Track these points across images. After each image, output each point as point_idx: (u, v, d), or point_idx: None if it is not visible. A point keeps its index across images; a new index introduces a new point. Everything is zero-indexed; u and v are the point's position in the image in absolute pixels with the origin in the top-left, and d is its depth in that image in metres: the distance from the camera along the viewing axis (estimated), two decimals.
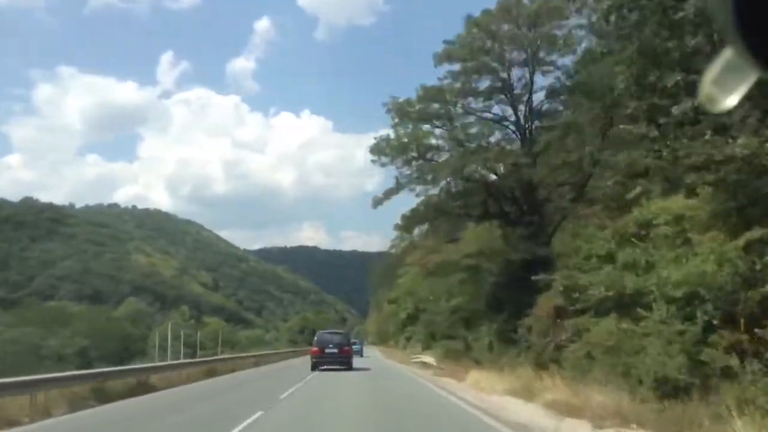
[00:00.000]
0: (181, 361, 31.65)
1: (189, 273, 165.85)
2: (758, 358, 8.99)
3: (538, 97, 24.94)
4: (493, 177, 24.95)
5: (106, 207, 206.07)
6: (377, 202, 25.13)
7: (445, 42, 24.40)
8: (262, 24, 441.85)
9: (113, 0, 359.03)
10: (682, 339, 10.17)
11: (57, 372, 19.11)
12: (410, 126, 23.96)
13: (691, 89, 8.97)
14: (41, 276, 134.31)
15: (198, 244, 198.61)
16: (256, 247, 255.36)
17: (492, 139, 24.45)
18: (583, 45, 22.68)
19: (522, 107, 24.52)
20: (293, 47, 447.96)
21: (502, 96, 24.26)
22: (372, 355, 55.67)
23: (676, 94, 10.02)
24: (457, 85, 24.28)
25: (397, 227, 25.68)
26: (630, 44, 11.27)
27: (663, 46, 10.41)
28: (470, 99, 24.54)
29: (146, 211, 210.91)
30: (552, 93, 24.43)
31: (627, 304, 12.41)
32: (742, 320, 9.73)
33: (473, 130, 24.16)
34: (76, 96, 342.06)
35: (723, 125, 9.66)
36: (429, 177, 23.73)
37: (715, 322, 10.04)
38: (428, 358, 26.68)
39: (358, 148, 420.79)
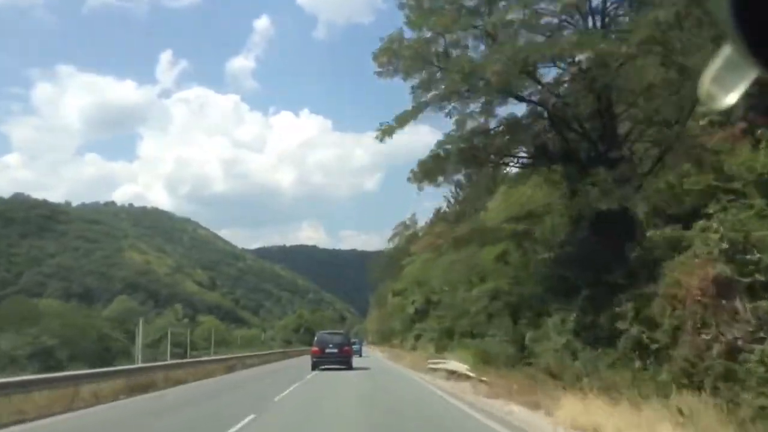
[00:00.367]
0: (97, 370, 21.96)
1: (184, 271, 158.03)
2: None
3: None
4: (554, 100, 16.44)
5: (102, 205, 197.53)
6: (386, 133, 16.61)
7: None
8: (262, 23, 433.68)
9: None
10: None
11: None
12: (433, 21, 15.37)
13: None
14: (29, 273, 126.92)
15: (195, 242, 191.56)
16: (255, 246, 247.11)
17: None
18: None
19: None
20: (292, 46, 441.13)
21: None
22: (372, 357, 48.76)
23: None
24: None
25: (413, 176, 17.18)
26: None
27: None
28: None
29: (143, 209, 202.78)
30: None
31: None
32: None
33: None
34: (74, 95, 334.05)
35: None
36: (462, 89, 15.19)
37: None
38: (457, 365, 18.18)
39: (357, 147, 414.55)
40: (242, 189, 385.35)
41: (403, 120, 16.50)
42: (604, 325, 13.21)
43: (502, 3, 15.44)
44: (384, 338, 71.75)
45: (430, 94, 15.93)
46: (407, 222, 66.06)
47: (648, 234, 13.29)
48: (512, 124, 16.63)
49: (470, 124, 16.78)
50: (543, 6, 15.92)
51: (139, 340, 44.07)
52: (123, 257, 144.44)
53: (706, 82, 1.30)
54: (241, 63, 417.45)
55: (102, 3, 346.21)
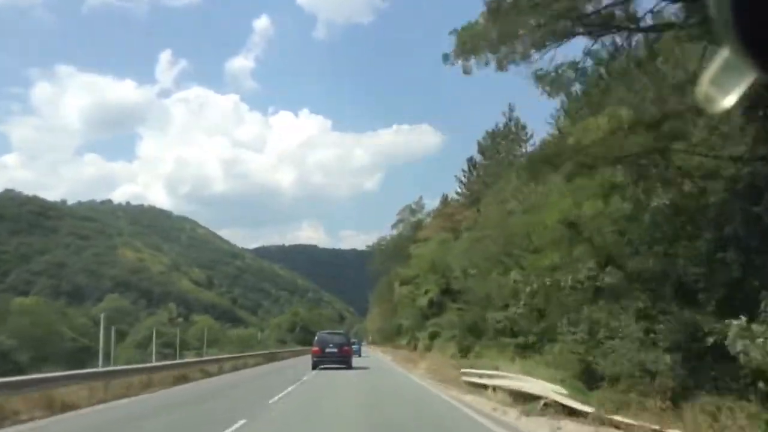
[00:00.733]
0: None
1: (180, 270, 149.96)
2: None
3: None
4: None
5: (98, 203, 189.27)
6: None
7: None
8: (261, 22, 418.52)
9: None
10: None
11: None
12: None
13: None
14: (18, 270, 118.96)
15: (193, 241, 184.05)
16: (254, 246, 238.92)
17: None
18: None
19: None
20: (292, 46, 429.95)
21: None
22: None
23: None
24: None
25: (456, 49, 9.25)
26: None
27: None
28: None
29: (140, 207, 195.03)
30: None
31: None
32: None
33: None
34: (74, 95, 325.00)
35: None
36: None
37: None
38: (540, 385, 9.94)
39: (357, 147, 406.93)
40: (242, 189, 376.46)
41: None
42: None
43: None
44: (386, 338, 63.71)
45: None
46: (413, 206, 57.60)
47: None
48: None
49: None
50: None
51: (103, 339, 35.78)
52: (116, 255, 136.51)
53: (704, 83, 1.26)
54: (241, 63, 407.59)
55: (101, 2, 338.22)
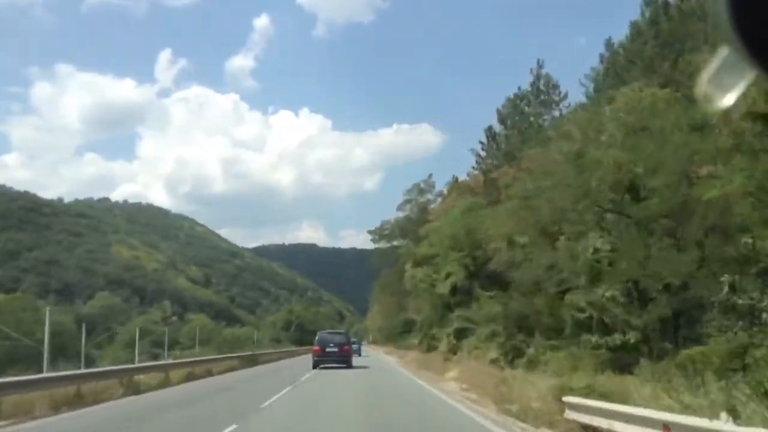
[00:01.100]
0: None
1: (177, 268, 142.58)
2: None
3: None
4: None
5: (95, 201, 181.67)
6: None
7: None
8: (261, 21, 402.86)
9: None
10: None
11: None
12: None
13: None
14: (5, 267, 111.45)
15: (191, 239, 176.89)
16: (254, 245, 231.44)
17: None
18: None
19: None
20: (292, 45, 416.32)
21: None
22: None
23: None
24: None
25: None
26: None
27: None
28: None
29: (137, 205, 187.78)
30: None
31: None
32: None
33: None
34: (74, 94, 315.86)
35: None
36: None
37: None
38: None
39: (357, 146, 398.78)
40: (242, 188, 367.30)
41: None
42: None
43: None
44: (389, 337, 56.15)
45: None
46: (422, 186, 49.84)
47: None
48: None
49: None
50: None
51: (48, 339, 28.62)
52: (110, 252, 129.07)
53: (703, 82, 1.23)
54: (241, 62, 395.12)
55: (101, 2, 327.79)
